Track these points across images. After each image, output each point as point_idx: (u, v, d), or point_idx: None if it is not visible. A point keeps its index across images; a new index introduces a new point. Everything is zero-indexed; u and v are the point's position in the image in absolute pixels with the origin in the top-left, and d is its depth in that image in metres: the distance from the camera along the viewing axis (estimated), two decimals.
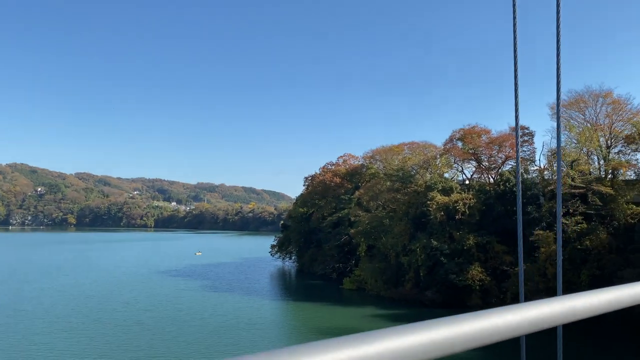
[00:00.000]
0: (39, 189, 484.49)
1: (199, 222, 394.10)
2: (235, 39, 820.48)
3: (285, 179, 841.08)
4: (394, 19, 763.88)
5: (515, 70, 5.23)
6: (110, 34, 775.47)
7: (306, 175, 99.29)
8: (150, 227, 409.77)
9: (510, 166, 64.98)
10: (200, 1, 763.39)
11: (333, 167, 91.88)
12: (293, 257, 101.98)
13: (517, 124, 5.62)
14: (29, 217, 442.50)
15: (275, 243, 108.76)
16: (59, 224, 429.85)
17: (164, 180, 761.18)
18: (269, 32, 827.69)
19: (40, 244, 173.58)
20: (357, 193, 77.95)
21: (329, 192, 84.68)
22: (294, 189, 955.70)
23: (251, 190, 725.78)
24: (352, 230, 71.76)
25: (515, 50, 5.24)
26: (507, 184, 59.13)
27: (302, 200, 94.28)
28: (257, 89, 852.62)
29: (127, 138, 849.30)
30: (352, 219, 73.46)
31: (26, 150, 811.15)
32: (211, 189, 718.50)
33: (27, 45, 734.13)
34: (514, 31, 5.17)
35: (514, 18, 5.13)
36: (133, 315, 48.36)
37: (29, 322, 44.16)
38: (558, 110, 5.47)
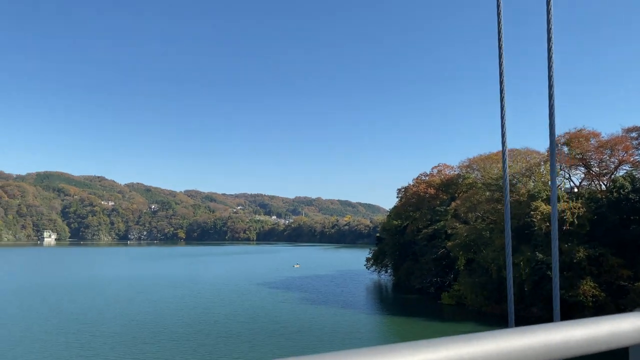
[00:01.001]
0: (153, 207, 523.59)
1: (297, 235, 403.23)
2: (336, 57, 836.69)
3: (380, 191, 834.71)
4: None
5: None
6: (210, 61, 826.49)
7: (399, 187, 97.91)
8: (253, 241, 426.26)
9: (624, 171, 59.18)
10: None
11: (427, 177, 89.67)
12: (389, 270, 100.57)
13: None
14: (145, 233, 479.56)
15: (370, 256, 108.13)
16: (171, 239, 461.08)
17: (265, 195, 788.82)
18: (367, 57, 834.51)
19: (153, 257, 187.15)
20: (453, 204, 75.17)
21: (424, 203, 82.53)
22: (389, 201, 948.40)
23: (347, 204, 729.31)
24: (449, 243, 69.20)
25: None
26: (621, 190, 53.82)
27: (395, 212, 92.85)
28: (349, 110, 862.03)
29: (230, 157, 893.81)
30: (449, 231, 70.90)
31: (142, 171, 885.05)
32: (308, 202, 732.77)
33: (146, 72, 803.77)
34: None
35: None
36: (233, 327, 50.13)
37: (139, 331, 47.39)
38: None
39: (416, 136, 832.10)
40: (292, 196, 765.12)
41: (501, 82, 4.55)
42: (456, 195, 79.19)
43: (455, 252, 67.72)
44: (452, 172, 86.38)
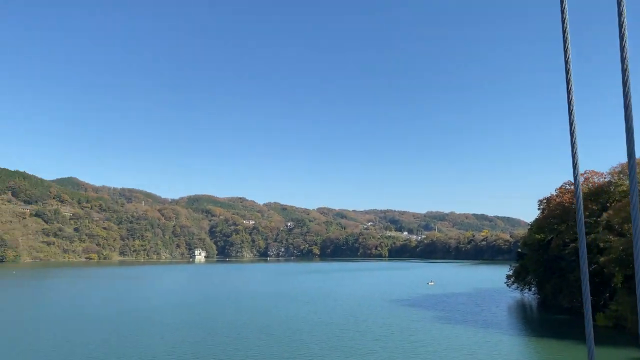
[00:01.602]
0: (289, 224, 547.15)
1: (430, 251, 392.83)
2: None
3: (518, 202, 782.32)
4: None
5: None
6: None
7: (540, 198, 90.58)
8: (385, 257, 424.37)
9: None
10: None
11: (572, 187, 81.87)
12: (532, 288, 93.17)
13: None
14: (282, 249, 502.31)
15: (511, 273, 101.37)
16: (306, 255, 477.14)
17: (395, 210, 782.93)
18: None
19: (290, 273, 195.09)
20: (604, 215, 67.59)
21: (569, 215, 75.27)
22: (529, 213, 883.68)
23: (483, 217, 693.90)
24: (602, 258, 62.17)
25: None
26: None
27: (537, 225, 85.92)
28: (479, 122, 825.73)
29: (359, 174, 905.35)
30: (601, 245, 63.74)
31: (278, 191, 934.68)
32: (441, 217, 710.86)
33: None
34: None
35: None
36: (368, 344, 49.98)
37: (277, 346, 49.33)
38: None
39: (554, 141, 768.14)
40: (423, 211, 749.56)
41: None
42: (607, 205, 71.15)
43: (610, 268, 60.59)
44: (601, 180, 77.86)
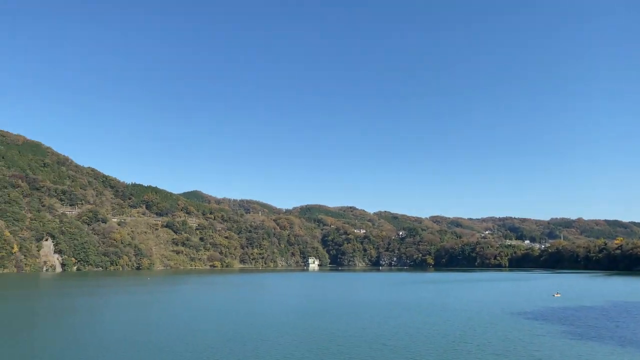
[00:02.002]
0: (400, 233, 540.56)
1: (556, 261, 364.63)
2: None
3: None
4: None
5: None
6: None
7: None
8: (505, 267, 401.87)
9: None
10: None
11: None
12: None
13: None
14: (394, 259, 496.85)
15: None
16: (420, 265, 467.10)
17: (515, 218, 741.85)
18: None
19: (404, 283, 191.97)
20: None
21: None
22: None
23: (616, 224, 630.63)
24: None
25: None
26: None
27: None
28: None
29: (474, 180, 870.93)
30: None
31: (389, 200, 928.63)
32: (567, 224, 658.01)
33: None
34: None
35: None
36: (485, 358, 47.30)
37: (391, 356, 48.42)
38: None
39: None
40: (546, 218, 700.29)
41: None
42: None
43: None
44: None
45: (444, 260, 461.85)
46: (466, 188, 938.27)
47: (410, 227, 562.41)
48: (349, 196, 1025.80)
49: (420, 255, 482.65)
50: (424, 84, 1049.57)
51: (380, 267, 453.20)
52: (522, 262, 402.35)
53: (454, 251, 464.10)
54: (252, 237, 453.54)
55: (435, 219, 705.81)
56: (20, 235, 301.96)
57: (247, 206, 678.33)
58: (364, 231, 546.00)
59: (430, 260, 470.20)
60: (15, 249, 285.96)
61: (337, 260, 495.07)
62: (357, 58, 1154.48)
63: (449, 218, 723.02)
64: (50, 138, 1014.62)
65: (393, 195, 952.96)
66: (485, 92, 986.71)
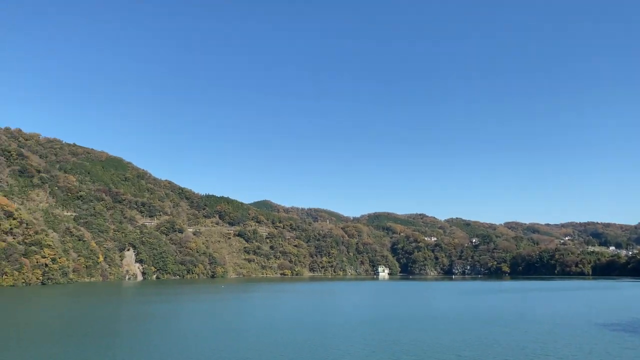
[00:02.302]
0: (474, 240, 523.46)
1: None
2: None
3: None
4: None
5: None
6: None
7: None
8: (588, 275, 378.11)
9: None
10: None
11: None
12: None
13: None
14: (468, 267, 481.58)
15: None
16: (495, 273, 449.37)
17: (597, 222, 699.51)
18: None
19: (478, 292, 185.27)
20: None
21: None
22: None
23: None
24: None
25: None
26: None
27: None
28: None
29: (551, 184, 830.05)
30: None
31: (460, 206, 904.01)
32: None
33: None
34: None
35: None
36: None
37: None
38: None
39: None
40: (634, 222, 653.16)
41: None
42: None
43: None
44: None
45: (520, 268, 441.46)
46: (543, 192, 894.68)
47: (484, 233, 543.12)
48: (418, 203, 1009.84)
49: (495, 263, 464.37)
50: (505, 84, 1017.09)
51: (453, 276, 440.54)
52: (607, 269, 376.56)
53: (531, 258, 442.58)
54: (320, 246, 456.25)
55: (510, 225, 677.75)
56: (104, 245, 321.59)
57: (315, 215, 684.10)
58: (435, 239, 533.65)
59: (506, 268, 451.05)
60: (101, 258, 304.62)
61: (407, 269, 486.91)
62: (426, 65, 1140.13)
63: (525, 224, 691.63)
64: (130, 154, 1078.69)
65: (464, 202, 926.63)
66: (571, 95, 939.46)
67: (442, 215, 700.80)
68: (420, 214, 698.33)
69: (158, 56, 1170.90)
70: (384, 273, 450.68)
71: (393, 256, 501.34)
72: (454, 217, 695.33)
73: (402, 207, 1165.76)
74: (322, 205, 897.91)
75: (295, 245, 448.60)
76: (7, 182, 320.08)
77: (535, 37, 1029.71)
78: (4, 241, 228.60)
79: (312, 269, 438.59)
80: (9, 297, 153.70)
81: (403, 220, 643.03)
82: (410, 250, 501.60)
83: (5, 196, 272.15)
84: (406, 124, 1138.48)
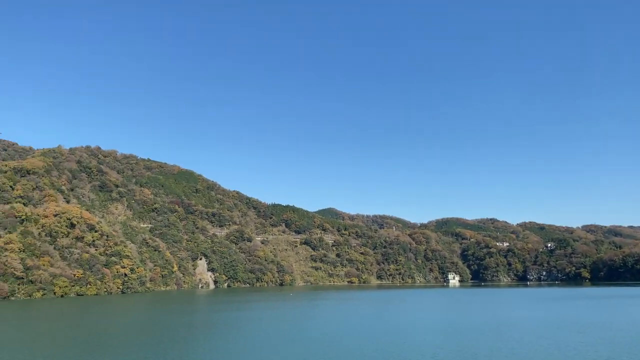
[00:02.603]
0: (549, 245, 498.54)
1: None
2: None
3: None
4: None
5: None
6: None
7: None
8: None
9: None
10: None
11: None
12: None
13: None
14: (543, 273, 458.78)
15: None
16: (573, 279, 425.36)
17: None
18: None
19: (554, 299, 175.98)
20: None
21: None
22: None
23: None
24: None
25: None
26: None
27: None
28: None
29: (633, 183, 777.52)
30: None
31: (533, 210, 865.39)
32: None
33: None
34: None
35: None
36: None
37: None
38: None
39: None
40: None
41: None
42: None
43: None
44: None
45: (602, 273, 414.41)
46: (624, 192, 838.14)
47: (560, 237, 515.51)
48: (488, 207, 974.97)
49: (574, 268, 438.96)
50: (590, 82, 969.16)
51: (528, 283, 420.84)
52: None
53: (614, 263, 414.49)
54: (387, 253, 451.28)
55: (589, 228, 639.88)
56: (178, 255, 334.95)
57: (380, 221, 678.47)
58: (507, 244, 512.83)
59: (586, 274, 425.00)
60: (175, 268, 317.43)
61: (479, 276, 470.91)
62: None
63: (605, 227, 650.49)
64: (200, 166, 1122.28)
65: (538, 205, 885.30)
66: None
67: (513, 220, 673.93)
68: (490, 219, 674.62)
69: (222, 73, 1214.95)
70: (454, 280, 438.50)
71: (463, 263, 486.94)
72: (527, 221, 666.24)
73: (471, 212, 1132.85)
74: (388, 211, 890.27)
75: (362, 253, 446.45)
76: (89, 197, 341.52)
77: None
78: (87, 252, 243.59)
79: (379, 277, 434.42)
80: (92, 305, 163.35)
81: (473, 226, 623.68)
82: (482, 256, 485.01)
83: (87, 210, 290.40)
84: (471, 126, 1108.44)
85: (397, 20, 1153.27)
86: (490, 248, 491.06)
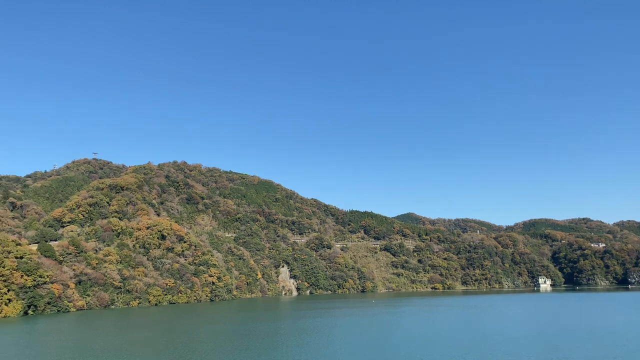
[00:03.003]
0: None
1: None
2: None
3: None
4: None
5: None
6: None
7: None
8: None
9: None
10: None
11: None
12: None
13: None
14: None
15: None
16: None
17: None
18: None
19: None
20: None
21: None
22: None
23: None
24: None
25: None
26: None
27: None
28: None
29: None
30: None
31: (633, 207, 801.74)
32: None
33: None
34: None
35: None
36: None
37: None
38: None
39: None
40: None
41: None
42: None
43: None
44: None
45: None
46: None
47: None
48: (579, 206, 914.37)
49: None
50: None
51: (630, 286, 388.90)
52: None
53: None
54: (472, 258, 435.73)
55: None
56: (262, 263, 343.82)
57: (463, 225, 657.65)
58: (604, 245, 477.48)
59: None
60: (259, 275, 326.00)
61: (572, 279, 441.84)
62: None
63: None
64: (279, 176, 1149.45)
65: (637, 202, 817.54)
66: None
67: (610, 219, 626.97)
68: (583, 218, 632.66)
69: (298, 85, 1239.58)
70: (545, 284, 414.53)
71: (555, 266, 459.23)
72: (626, 219, 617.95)
73: (561, 212, 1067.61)
74: (470, 214, 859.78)
75: (445, 258, 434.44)
76: (177, 210, 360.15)
77: None
78: (177, 262, 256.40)
79: (464, 282, 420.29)
80: (184, 313, 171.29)
81: (563, 227, 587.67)
82: (575, 258, 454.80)
83: (176, 222, 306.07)
84: (559, 121, 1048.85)
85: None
86: (585, 250, 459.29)
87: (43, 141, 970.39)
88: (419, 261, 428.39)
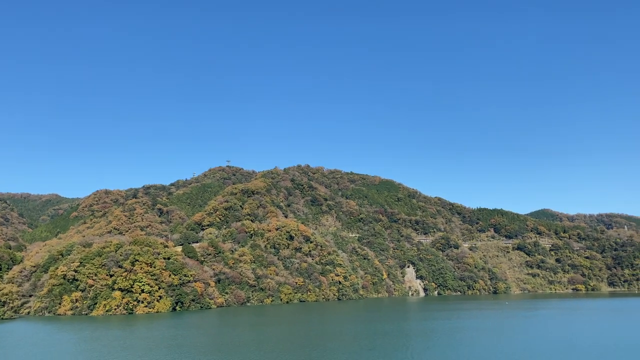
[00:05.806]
0: None
1: None
2: None
3: None
4: None
5: None
6: None
7: None
8: None
9: None
10: None
11: None
12: None
13: None
14: None
15: None
16: None
17: None
18: None
19: None
20: None
21: None
22: None
23: None
24: None
25: None
26: None
27: None
28: None
29: None
30: None
31: None
32: None
33: None
34: None
35: None
36: None
37: None
38: None
39: None
40: None
41: None
42: None
43: None
44: None
45: None
46: None
47: None
48: None
49: None
50: None
51: None
52: None
53: None
54: (619, 256, 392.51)
55: None
56: (386, 263, 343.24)
57: (607, 221, 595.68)
58: None
59: None
60: (385, 275, 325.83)
61: None
62: None
63: None
64: (400, 176, 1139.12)
65: None
66: None
67: None
68: None
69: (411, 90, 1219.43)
70: None
71: None
72: None
73: None
74: (616, 209, 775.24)
75: (587, 257, 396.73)
76: (303, 211, 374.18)
77: None
78: (305, 262, 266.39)
79: (611, 283, 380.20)
80: (314, 311, 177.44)
81: None
82: None
83: (303, 223, 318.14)
84: None
85: None
86: None
87: (184, 152, 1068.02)
88: (557, 260, 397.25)
